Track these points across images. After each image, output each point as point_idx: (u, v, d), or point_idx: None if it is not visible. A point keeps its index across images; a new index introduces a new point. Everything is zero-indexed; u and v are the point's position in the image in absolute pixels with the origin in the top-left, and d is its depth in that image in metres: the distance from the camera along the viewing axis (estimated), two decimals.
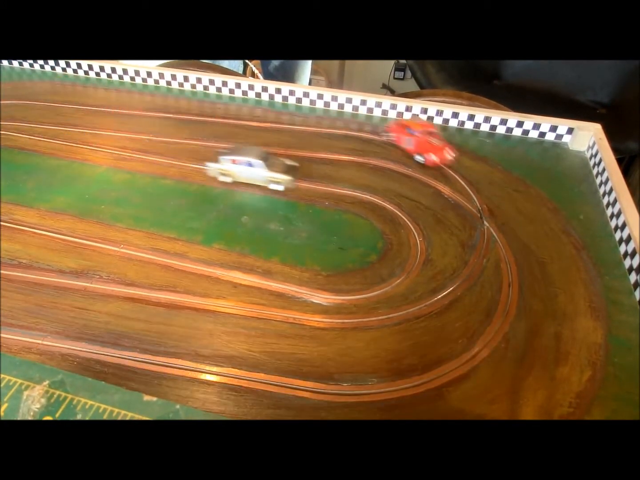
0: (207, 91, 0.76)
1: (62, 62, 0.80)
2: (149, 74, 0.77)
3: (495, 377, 0.36)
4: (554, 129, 0.65)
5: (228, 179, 0.55)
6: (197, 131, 0.65)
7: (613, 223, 0.50)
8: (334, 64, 1.96)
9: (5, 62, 0.83)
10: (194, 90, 0.76)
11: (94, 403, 0.31)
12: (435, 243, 0.48)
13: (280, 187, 0.54)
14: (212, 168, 0.55)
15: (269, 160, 0.54)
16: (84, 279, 0.43)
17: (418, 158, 0.60)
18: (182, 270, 0.44)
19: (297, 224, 0.50)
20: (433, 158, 0.58)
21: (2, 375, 0.32)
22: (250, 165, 0.53)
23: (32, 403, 0.30)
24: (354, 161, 0.60)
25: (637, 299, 0.42)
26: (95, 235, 0.47)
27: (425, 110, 0.68)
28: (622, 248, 0.47)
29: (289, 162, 0.55)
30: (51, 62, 0.81)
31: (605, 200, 0.54)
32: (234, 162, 0.53)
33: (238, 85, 0.74)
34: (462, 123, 0.68)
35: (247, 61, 1.33)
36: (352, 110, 0.71)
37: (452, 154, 0.59)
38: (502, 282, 0.43)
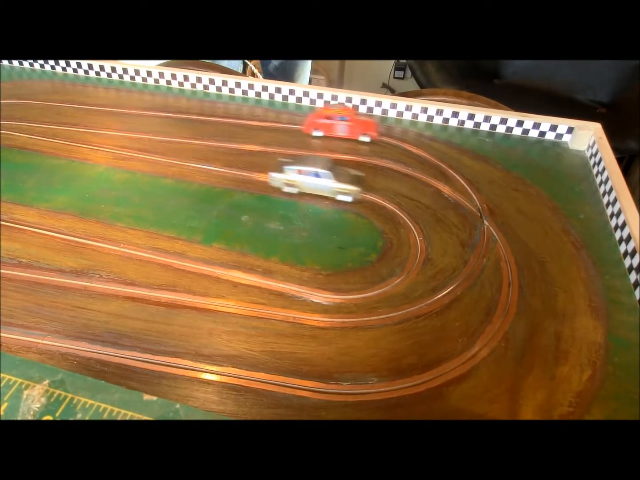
0: (207, 90, 0.76)
1: (62, 62, 0.80)
2: (149, 74, 0.77)
3: (495, 377, 0.36)
4: (554, 128, 0.65)
5: (293, 190, 0.53)
6: (197, 130, 0.65)
7: (613, 222, 0.50)
8: (334, 63, 1.96)
9: (5, 62, 0.83)
10: (194, 89, 0.76)
11: (94, 402, 0.31)
12: (435, 242, 0.48)
13: (349, 198, 0.52)
14: (276, 178, 0.53)
15: (335, 170, 0.52)
16: (84, 279, 0.43)
17: (363, 138, 0.62)
18: (182, 269, 0.44)
19: (297, 223, 0.50)
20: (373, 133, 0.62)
21: (2, 375, 0.32)
22: (317, 175, 0.51)
23: (32, 402, 0.30)
24: (353, 160, 0.60)
25: (637, 298, 0.42)
26: (95, 235, 0.47)
27: (425, 110, 0.68)
28: (622, 247, 0.47)
29: (353, 171, 0.54)
30: (51, 62, 0.81)
31: (605, 200, 0.54)
32: (300, 172, 0.51)
33: (238, 85, 0.74)
34: (462, 122, 0.68)
35: (246, 61, 1.33)
36: None
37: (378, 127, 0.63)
38: (502, 282, 0.43)
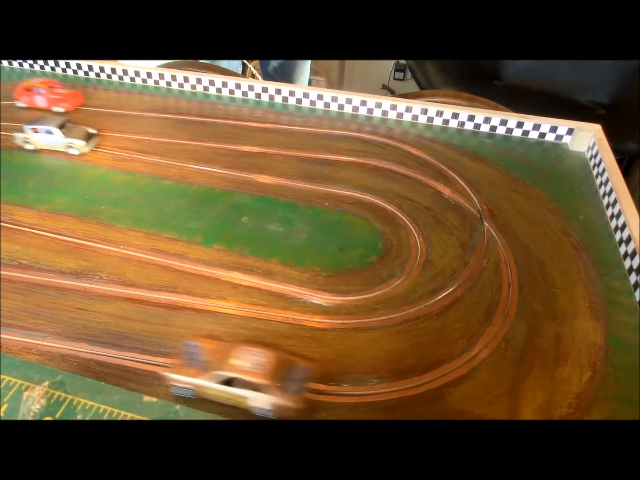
0: (207, 92, 0.76)
1: (62, 62, 0.80)
2: (149, 75, 0.77)
3: (495, 378, 0.36)
4: (554, 129, 0.65)
5: (31, 147, 0.60)
6: (197, 132, 0.65)
7: (613, 224, 0.50)
8: (334, 64, 1.96)
9: (5, 62, 0.83)
10: (194, 90, 0.76)
11: (93, 404, 0.31)
12: (435, 244, 0.48)
13: (76, 152, 0.59)
14: (18, 137, 0.60)
15: (68, 127, 0.60)
16: (84, 280, 0.43)
17: (57, 109, 0.69)
18: (182, 270, 0.44)
19: (297, 225, 0.50)
20: (66, 105, 0.69)
21: (2, 376, 0.32)
22: (49, 133, 0.58)
23: (32, 404, 0.30)
24: (353, 162, 0.60)
25: (637, 299, 0.42)
26: (95, 236, 0.47)
27: (425, 111, 0.68)
28: (622, 249, 0.47)
29: (90, 130, 0.61)
30: (51, 62, 0.81)
31: (605, 201, 0.54)
32: (35, 130, 0.59)
33: (238, 86, 0.74)
34: (462, 124, 0.68)
35: (246, 62, 1.33)
36: (352, 110, 0.71)
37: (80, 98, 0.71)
38: (502, 283, 0.43)
